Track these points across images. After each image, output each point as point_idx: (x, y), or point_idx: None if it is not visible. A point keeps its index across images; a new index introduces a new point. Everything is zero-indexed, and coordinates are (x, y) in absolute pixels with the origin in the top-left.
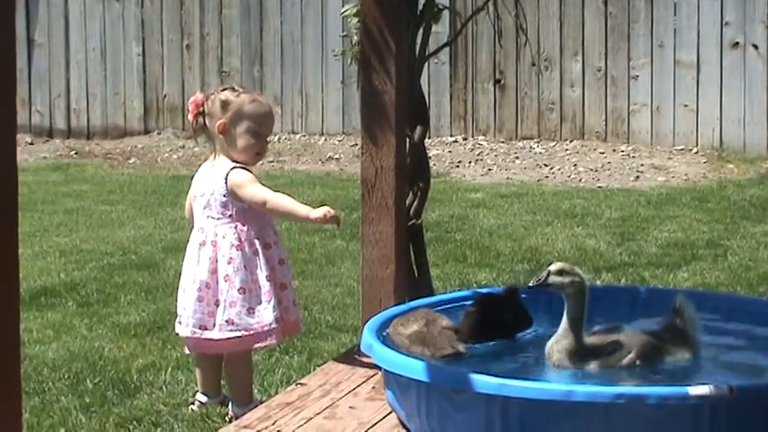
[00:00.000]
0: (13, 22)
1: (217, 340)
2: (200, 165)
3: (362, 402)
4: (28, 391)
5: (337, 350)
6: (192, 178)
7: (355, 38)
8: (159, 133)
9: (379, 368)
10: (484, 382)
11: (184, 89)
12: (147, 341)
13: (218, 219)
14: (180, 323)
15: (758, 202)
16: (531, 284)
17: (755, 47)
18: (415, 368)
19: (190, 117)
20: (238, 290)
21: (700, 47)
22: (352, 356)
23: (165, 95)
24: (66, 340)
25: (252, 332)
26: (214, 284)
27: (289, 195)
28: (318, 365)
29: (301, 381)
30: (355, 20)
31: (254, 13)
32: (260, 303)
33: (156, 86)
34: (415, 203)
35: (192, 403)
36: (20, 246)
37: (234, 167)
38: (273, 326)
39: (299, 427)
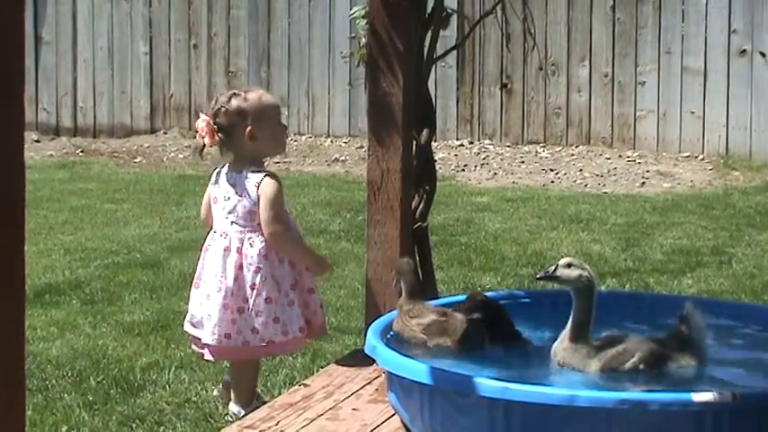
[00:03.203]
0: (22, 19)
1: (240, 348)
2: (217, 165)
3: (365, 404)
4: (31, 389)
5: (341, 352)
6: (210, 176)
7: (363, 40)
8: (165, 133)
9: (383, 370)
10: (487, 385)
11: (191, 89)
12: (150, 340)
13: (245, 226)
14: (191, 324)
15: (764, 210)
16: (538, 276)
17: (762, 54)
18: (418, 371)
19: (207, 141)
20: (265, 299)
21: (707, 54)
22: (355, 358)
23: (172, 95)
24: (69, 338)
25: (276, 342)
26: (238, 292)
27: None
28: (322, 367)
29: (305, 382)
30: (363, 22)
31: (262, 14)
32: (285, 313)
33: (163, 86)
34: (421, 206)
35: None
36: (25, 243)
37: (266, 176)
38: (298, 335)
39: (302, 427)
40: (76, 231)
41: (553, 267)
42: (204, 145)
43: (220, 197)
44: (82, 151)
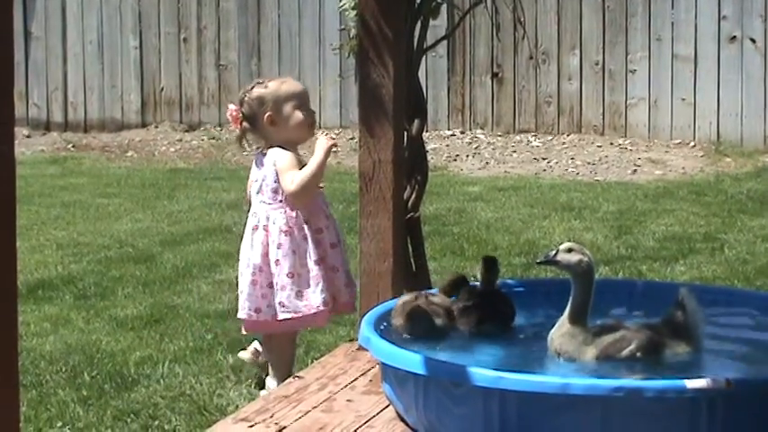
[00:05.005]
0: (10, 14)
1: (270, 322)
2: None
3: (360, 396)
4: (25, 384)
5: (335, 343)
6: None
7: (353, 31)
8: (156, 126)
9: (377, 361)
10: (481, 374)
11: (182, 82)
12: (144, 334)
13: (270, 204)
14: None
15: (755, 196)
16: (539, 260)
17: (753, 40)
18: (412, 361)
19: (234, 126)
20: (287, 274)
21: (697, 41)
22: (349, 350)
23: (163, 88)
24: (63, 333)
25: (301, 314)
26: (266, 268)
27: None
28: (316, 359)
29: (299, 374)
30: (353, 13)
31: (252, 6)
32: (308, 287)
33: (154, 79)
34: (413, 197)
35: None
36: (17, 239)
37: (279, 153)
38: (321, 308)
39: (297, 420)
40: (68, 226)
41: (553, 252)
42: (243, 134)
43: (253, 179)
44: (73, 146)
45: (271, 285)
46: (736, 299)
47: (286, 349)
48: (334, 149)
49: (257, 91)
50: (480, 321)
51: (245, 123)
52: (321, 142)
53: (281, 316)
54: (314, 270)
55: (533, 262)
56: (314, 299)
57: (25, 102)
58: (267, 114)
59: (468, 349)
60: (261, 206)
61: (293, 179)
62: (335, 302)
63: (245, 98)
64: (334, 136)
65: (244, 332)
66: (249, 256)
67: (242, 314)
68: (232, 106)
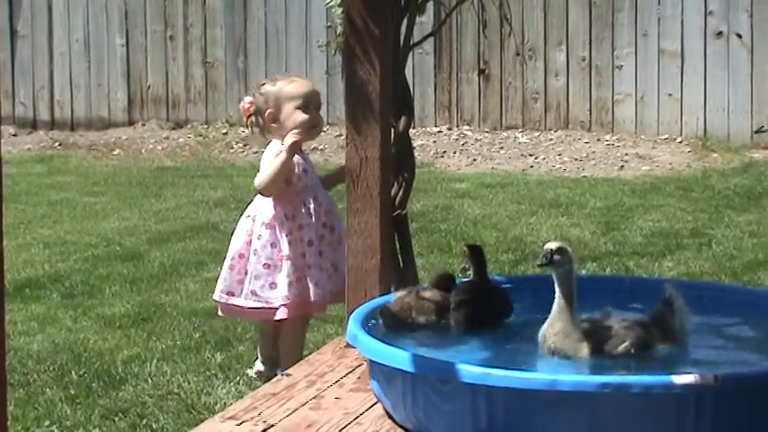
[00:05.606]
0: None
1: (241, 307)
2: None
3: (348, 393)
4: (13, 383)
5: (323, 341)
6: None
7: (339, 28)
8: (143, 124)
9: (365, 359)
10: (469, 371)
11: (168, 80)
12: (131, 333)
13: (261, 196)
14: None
15: (742, 191)
16: (539, 263)
17: (739, 36)
18: (399, 358)
19: (246, 122)
20: (263, 265)
21: (684, 36)
22: (337, 347)
23: (149, 86)
24: (50, 332)
25: (270, 305)
26: (246, 255)
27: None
28: (304, 356)
29: (287, 371)
30: (339, 10)
31: (238, 4)
32: (280, 280)
33: (140, 78)
34: (400, 194)
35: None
36: (3, 238)
37: (269, 147)
38: (284, 302)
39: (285, 417)
40: (55, 225)
41: (549, 254)
42: (257, 127)
43: None
44: (60, 144)
45: (247, 272)
46: (723, 294)
47: (291, 339)
48: (299, 147)
49: (265, 87)
50: (474, 318)
51: (252, 118)
52: (286, 140)
53: (250, 304)
54: (285, 265)
55: (521, 259)
56: (280, 293)
57: (11, 100)
58: (269, 111)
59: (458, 345)
60: (258, 196)
61: (260, 173)
62: (303, 300)
63: (256, 93)
64: (324, 131)
65: (219, 314)
66: (234, 241)
67: (216, 295)
68: (247, 98)
